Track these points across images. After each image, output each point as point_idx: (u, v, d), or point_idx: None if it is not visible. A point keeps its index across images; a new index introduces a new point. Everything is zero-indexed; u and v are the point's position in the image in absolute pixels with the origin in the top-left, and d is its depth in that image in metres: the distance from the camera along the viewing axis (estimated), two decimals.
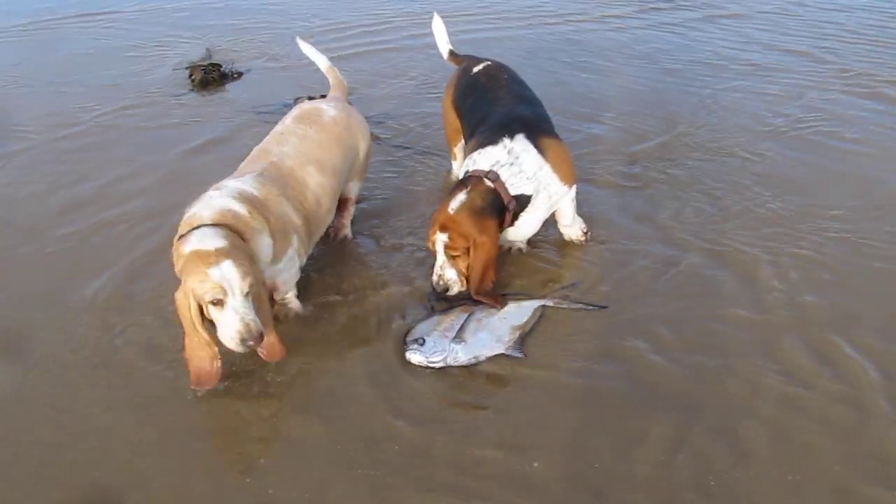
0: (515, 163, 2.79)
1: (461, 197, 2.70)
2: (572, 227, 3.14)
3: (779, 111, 4.40)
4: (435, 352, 2.50)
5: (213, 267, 2.09)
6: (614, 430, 2.28)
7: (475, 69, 3.31)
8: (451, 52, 3.64)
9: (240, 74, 5.12)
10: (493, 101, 3.07)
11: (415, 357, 2.49)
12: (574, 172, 3.01)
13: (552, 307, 2.78)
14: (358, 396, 2.40)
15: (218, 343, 2.22)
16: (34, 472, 2.15)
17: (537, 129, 2.92)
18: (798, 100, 4.56)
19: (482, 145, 2.85)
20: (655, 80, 4.93)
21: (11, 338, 2.68)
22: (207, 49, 5.54)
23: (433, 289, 2.78)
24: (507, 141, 2.82)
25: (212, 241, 2.14)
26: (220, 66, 5.12)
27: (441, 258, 2.73)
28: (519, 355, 2.56)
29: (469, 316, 2.67)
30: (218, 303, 2.12)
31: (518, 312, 2.72)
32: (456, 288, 2.76)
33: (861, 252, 3.10)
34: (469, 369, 2.50)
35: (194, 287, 2.10)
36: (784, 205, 3.43)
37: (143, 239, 3.25)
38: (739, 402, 2.36)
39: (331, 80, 3.29)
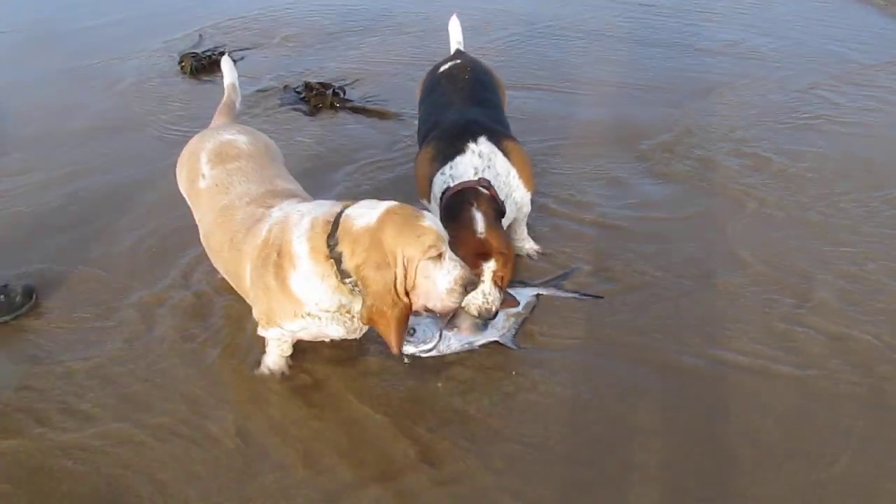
0: (491, 166, 2.62)
1: (480, 217, 2.45)
2: (527, 240, 2.98)
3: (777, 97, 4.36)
4: (424, 340, 2.44)
5: (426, 220, 1.96)
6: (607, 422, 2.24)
7: (441, 69, 3.15)
8: (458, 52, 3.46)
9: (234, 62, 5.03)
10: (446, 106, 2.89)
11: (406, 349, 2.42)
12: (534, 178, 2.84)
13: (547, 296, 2.74)
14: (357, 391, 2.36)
15: None
16: None
17: (497, 131, 2.75)
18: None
19: (449, 157, 2.64)
20: (654, 66, 4.86)
21: None
22: (200, 35, 5.47)
23: (479, 316, 2.46)
24: (473, 146, 2.63)
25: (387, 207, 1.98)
26: (222, 50, 5.05)
27: (489, 285, 2.42)
28: (513, 347, 2.51)
29: None
30: (438, 256, 1.96)
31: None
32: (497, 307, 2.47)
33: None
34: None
35: (407, 248, 1.91)
36: (800, 198, 3.38)
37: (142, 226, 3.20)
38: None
39: (225, 98, 2.97)
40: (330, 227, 1.99)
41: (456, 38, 3.53)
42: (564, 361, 2.47)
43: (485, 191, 2.54)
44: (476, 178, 2.57)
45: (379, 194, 3.35)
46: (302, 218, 2.05)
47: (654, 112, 4.21)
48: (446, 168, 2.64)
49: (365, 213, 1.96)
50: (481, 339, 2.51)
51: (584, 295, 2.75)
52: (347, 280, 1.98)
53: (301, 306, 2.07)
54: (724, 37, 5.37)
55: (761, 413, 2.26)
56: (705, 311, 2.67)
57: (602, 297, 2.74)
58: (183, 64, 4.88)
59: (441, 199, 2.61)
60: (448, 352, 2.45)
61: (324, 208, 2.07)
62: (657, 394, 2.33)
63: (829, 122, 4.06)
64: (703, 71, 4.80)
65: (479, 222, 2.42)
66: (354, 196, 3.33)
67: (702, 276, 2.85)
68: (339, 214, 2.00)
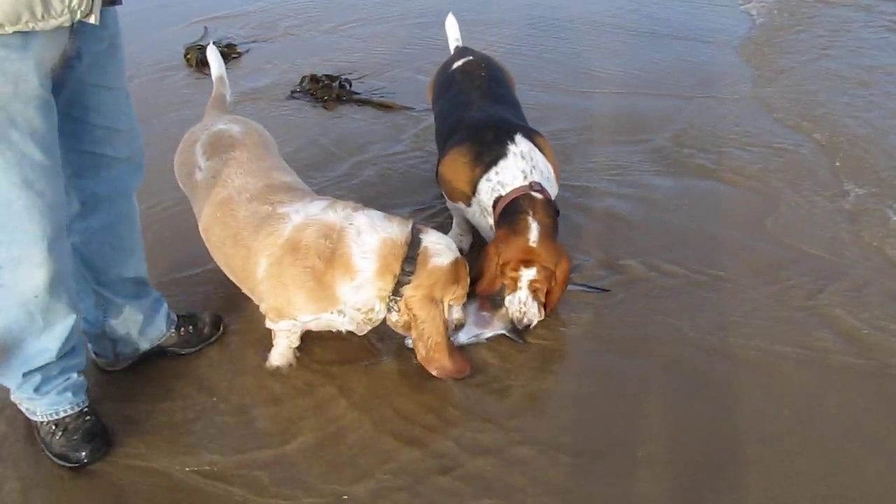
0: (536, 166, 2.56)
1: (535, 225, 2.41)
2: None
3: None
4: None
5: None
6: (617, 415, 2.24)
7: (454, 65, 3.10)
8: (464, 48, 3.41)
9: (239, 54, 5.03)
10: (466, 104, 2.84)
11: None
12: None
13: None
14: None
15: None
16: None
17: (527, 128, 2.73)
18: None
19: (492, 161, 2.57)
20: (661, 58, 4.84)
21: None
22: (205, 27, 5.46)
23: (512, 325, 2.50)
24: (513, 147, 2.57)
25: None
26: (229, 42, 5.05)
27: (525, 294, 2.46)
28: (519, 341, 2.50)
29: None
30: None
31: None
32: (536, 320, 2.49)
33: None
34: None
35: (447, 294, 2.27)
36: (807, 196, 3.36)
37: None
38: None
39: (215, 91, 2.93)
40: (405, 251, 2.13)
41: (454, 35, 3.50)
42: (572, 354, 2.48)
43: (538, 195, 2.49)
44: (528, 183, 2.52)
45: (385, 187, 3.40)
46: (360, 233, 2.12)
47: (664, 104, 4.19)
48: (492, 174, 2.57)
49: (443, 253, 2.20)
50: (488, 332, 2.50)
51: (592, 288, 2.74)
52: (394, 296, 2.15)
53: (335, 305, 2.16)
54: (732, 28, 5.34)
55: (772, 404, 2.26)
56: (716, 303, 2.67)
57: (609, 290, 2.73)
58: (188, 56, 4.87)
59: (494, 208, 2.56)
60: (455, 345, 2.45)
61: (384, 223, 2.16)
62: (666, 386, 2.33)
63: (840, 114, 4.03)
64: (711, 62, 4.77)
65: (534, 231, 2.41)
66: (358, 189, 3.38)
67: (712, 268, 2.85)
68: (416, 242, 2.16)
